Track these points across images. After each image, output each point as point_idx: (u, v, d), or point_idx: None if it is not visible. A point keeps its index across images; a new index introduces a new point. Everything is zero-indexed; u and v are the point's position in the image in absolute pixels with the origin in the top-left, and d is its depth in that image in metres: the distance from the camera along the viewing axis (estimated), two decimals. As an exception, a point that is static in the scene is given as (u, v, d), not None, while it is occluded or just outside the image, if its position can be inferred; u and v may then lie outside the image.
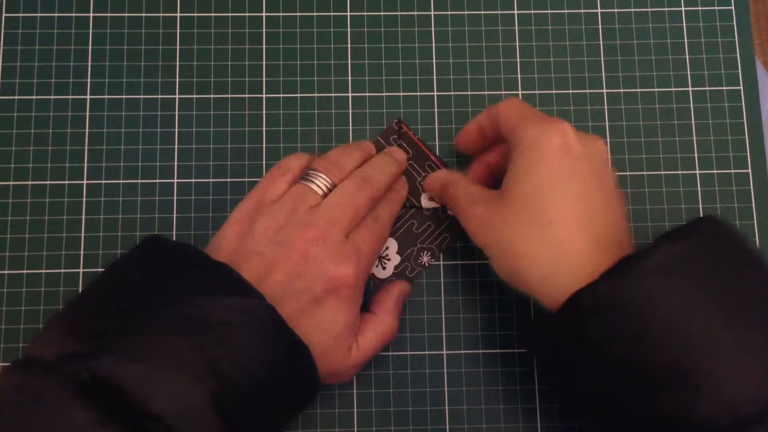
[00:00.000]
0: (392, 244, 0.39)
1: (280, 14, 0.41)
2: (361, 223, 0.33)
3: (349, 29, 0.41)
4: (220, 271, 0.29)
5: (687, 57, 0.41)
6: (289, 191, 0.33)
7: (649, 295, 0.27)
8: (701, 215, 0.39)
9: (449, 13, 0.42)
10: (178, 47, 0.41)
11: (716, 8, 0.42)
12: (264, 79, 0.41)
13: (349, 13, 0.42)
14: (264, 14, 0.41)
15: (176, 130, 0.40)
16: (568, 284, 0.28)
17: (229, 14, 0.41)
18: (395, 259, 0.39)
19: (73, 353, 0.25)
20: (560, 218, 0.30)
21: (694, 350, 0.26)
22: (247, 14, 0.41)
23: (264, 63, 0.41)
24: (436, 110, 0.41)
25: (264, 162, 0.40)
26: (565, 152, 0.31)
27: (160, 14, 0.41)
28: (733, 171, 0.40)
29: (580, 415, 0.32)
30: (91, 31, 0.41)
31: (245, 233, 0.32)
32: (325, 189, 0.33)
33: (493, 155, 0.37)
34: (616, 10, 0.42)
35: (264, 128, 0.40)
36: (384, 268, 0.39)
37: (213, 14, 0.41)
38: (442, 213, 0.39)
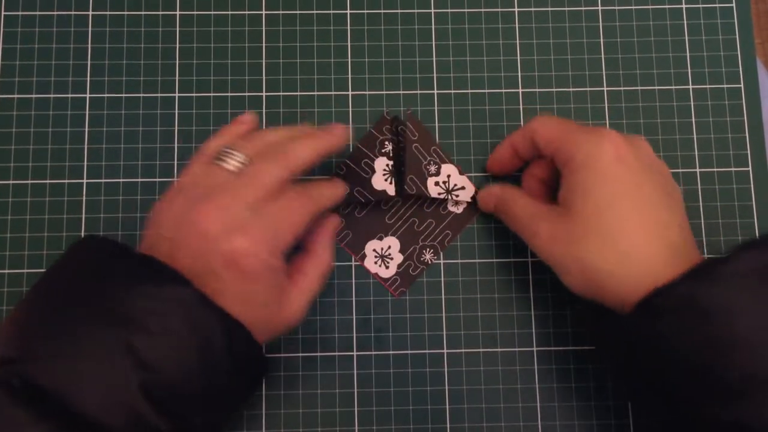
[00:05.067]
0: (394, 243, 0.39)
1: (280, 12, 0.41)
2: (279, 194, 0.32)
3: (349, 27, 0.41)
4: (142, 262, 0.29)
5: (688, 55, 0.41)
6: (198, 172, 0.32)
7: (730, 301, 0.27)
8: (700, 214, 0.39)
9: (449, 10, 0.41)
10: (177, 45, 0.41)
11: (717, 5, 0.42)
12: (264, 77, 0.40)
13: (349, 11, 0.41)
14: (264, 12, 0.41)
15: (176, 128, 0.40)
16: (650, 290, 0.29)
17: (229, 12, 0.41)
18: (398, 258, 0.39)
19: (8, 359, 0.27)
20: (630, 230, 0.30)
21: None
22: (246, 12, 0.41)
23: (264, 61, 0.41)
24: (436, 108, 0.40)
25: (264, 160, 0.40)
26: (620, 162, 0.31)
27: (160, 12, 0.41)
28: (733, 169, 0.40)
29: (645, 412, 0.33)
30: (90, 29, 0.41)
31: (158, 220, 0.32)
32: (236, 165, 0.32)
33: (539, 168, 0.37)
34: (616, 8, 0.42)
35: (264, 126, 0.40)
36: (387, 267, 0.39)
37: (212, 12, 0.41)
38: (443, 210, 0.39)
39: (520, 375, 0.38)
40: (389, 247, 0.39)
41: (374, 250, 0.39)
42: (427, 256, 0.39)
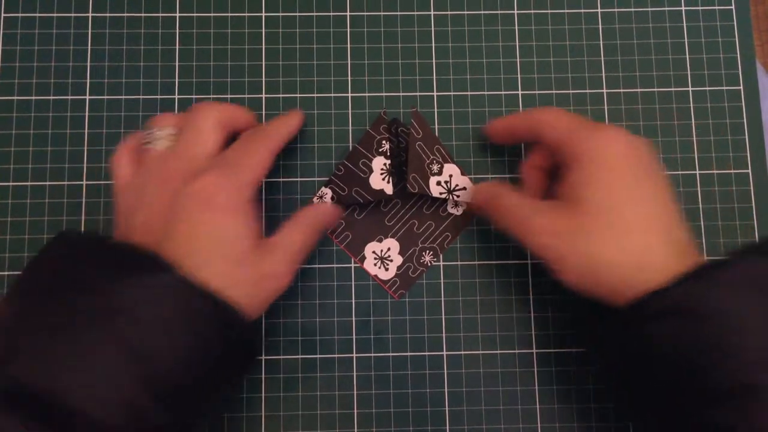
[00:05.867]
0: (394, 245, 0.39)
1: (280, 14, 0.41)
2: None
3: (348, 29, 0.41)
4: (124, 252, 0.29)
5: (687, 57, 0.41)
6: (138, 163, 0.34)
7: (724, 308, 0.27)
8: (700, 216, 0.39)
9: (449, 13, 0.42)
10: (177, 47, 0.41)
11: (716, 8, 0.42)
12: (263, 79, 0.41)
13: (348, 13, 0.41)
14: (263, 14, 0.41)
15: (176, 130, 0.40)
16: (645, 288, 0.29)
17: (229, 14, 0.41)
18: (397, 260, 0.39)
19: None
20: (639, 224, 0.30)
21: (765, 369, 0.26)
22: (246, 14, 0.41)
23: (263, 63, 0.41)
24: (435, 110, 0.40)
25: (264, 162, 0.40)
26: (628, 158, 0.31)
27: (159, 14, 0.41)
28: (733, 171, 0.40)
29: (638, 418, 0.32)
30: (90, 31, 0.41)
31: (124, 206, 0.33)
32: (163, 141, 0.34)
33: (539, 158, 0.37)
34: (616, 10, 0.42)
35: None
36: (387, 269, 0.39)
37: (212, 14, 0.41)
38: (442, 212, 0.39)
39: (519, 377, 0.38)
40: (389, 249, 0.39)
41: (374, 252, 0.39)
42: (427, 258, 0.39)
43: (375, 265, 0.39)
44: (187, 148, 0.33)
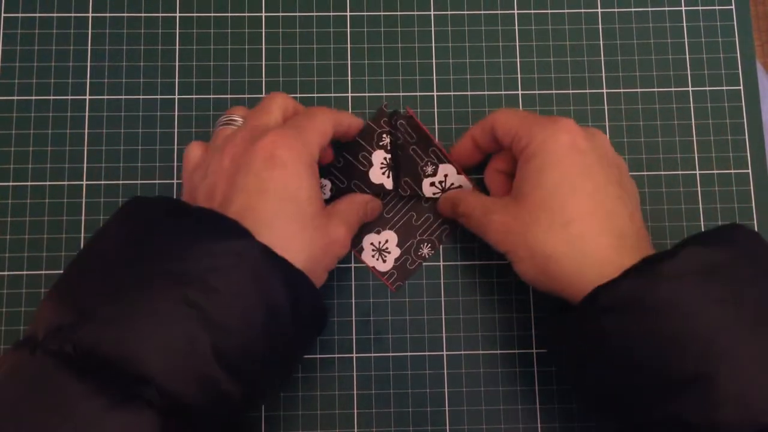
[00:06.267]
0: (392, 237, 0.39)
1: (280, 14, 0.41)
2: None
3: (348, 29, 0.41)
4: (200, 217, 0.28)
5: (687, 57, 0.41)
6: (213, 139, 0.34)
7: (672, 299, 0.27)
8: (700, 217, 0.39)
9: (449, 12, 0.42)
10: (177, 47, 0.41)
11: (716, 8, 0.42)
12: (264, 79, 0.41)
13: (348, 13, 0.41)
14: (263, 14, 0.41)
15: (176, 130, 0.40)
16: (595, 280, 0.29)
17: (229, 14, 0.41)
18: (395, 252, 0.39)
19: (59, 327, 0.25)
20: (580, 215, 0.30)
21: (717, 357, 0.26)
22: (246, 14, 0.41)
23: (264, 63, 0.41)
24: (435, 110, 0.40)
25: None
26: (574, 149, 0.31)
27: (159, 14, 0.41)
28: (733, 171, 0.40)
29: (598, 415, 0.33)
30: (90, 31, 0.41)
31: (192, 179, 0.33)
32: (238, 121, 0.34)
33: (500, 162, 0.37)
34: (616, 10, 0.42)
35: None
36: (384, 261, 0.39)
37: (212, 14, 0.41)
38: None
39: (519, 377, 0.38)
40: (387, 241, 0.39)
41: (372, 244, 0.39)
42: (425, 250, 0.39)
43: (373, 256, 0.39)
44: (253, 121, 0.32)
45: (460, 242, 0.39)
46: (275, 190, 0.29)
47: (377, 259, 0.39)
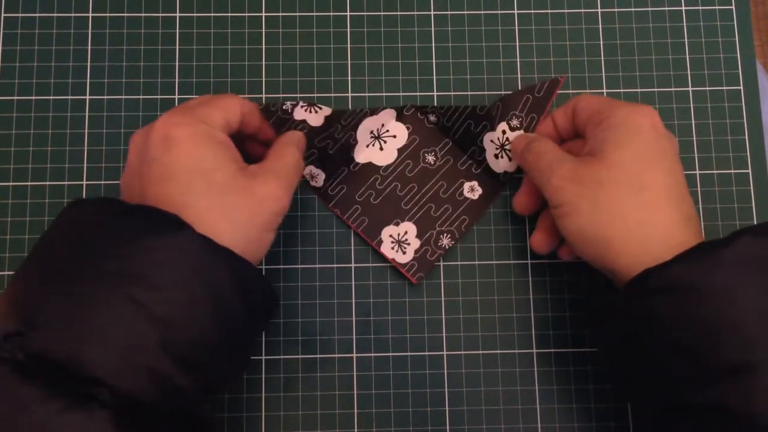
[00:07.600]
0: (411, 228, 0.39)
1: (280, 14, 0.41)
2: None
3: (348, 29, 0.41)
4: (138, 214, 0.28)
5: (687, 57, 0.41)
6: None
7: (725, 286, 0.27)
8: (700, 217, 0.39)
9: (449, 12, 0.42)
10: (177, 47, 0.41)
11: (716, 8, 0.42)
12: (264, 79, 0.41)
13: (348, 13, 0.41)
14: (263, 14, 0.41)
15: (176, 130, 0.40)
16: (658, 251, 0.29)
17: (229, 14, 0.41)
18: (415, 243, 0.39)
19: (6, 335, 0.25)
20: (654, 186, 0.31)
21: (762, 348, 0.26)
22: (246, 14, 0.41)
23: (264, 63, 0.41)
24: (436, 110, 0.40)
25: (264, 162, 0.40)
26: (655, 131, 0.32)
27: (159, 14, 0.41)
28: (733, 171, 0.40)
29: (635, 398, 0.33)
30: (90, 31, 0.41)
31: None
32: None
33: (561, 118, 0.38)
34: (616, 10, 0.42)
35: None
36: (404, 253, 0.39)
37: (212, 14, 0.41)
38: (458, 196, 0.39)
39: (519, 377, 0.38)
40: (406, 233, 0.39)
41: (390, 236, 0.39)
42: (445, 241, 0.39)
43: (392, 248, 0.39)
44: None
45: (460, 243, 0.39)
46: (180, 170, 0.29)
47: (396, 251, 0.39)
